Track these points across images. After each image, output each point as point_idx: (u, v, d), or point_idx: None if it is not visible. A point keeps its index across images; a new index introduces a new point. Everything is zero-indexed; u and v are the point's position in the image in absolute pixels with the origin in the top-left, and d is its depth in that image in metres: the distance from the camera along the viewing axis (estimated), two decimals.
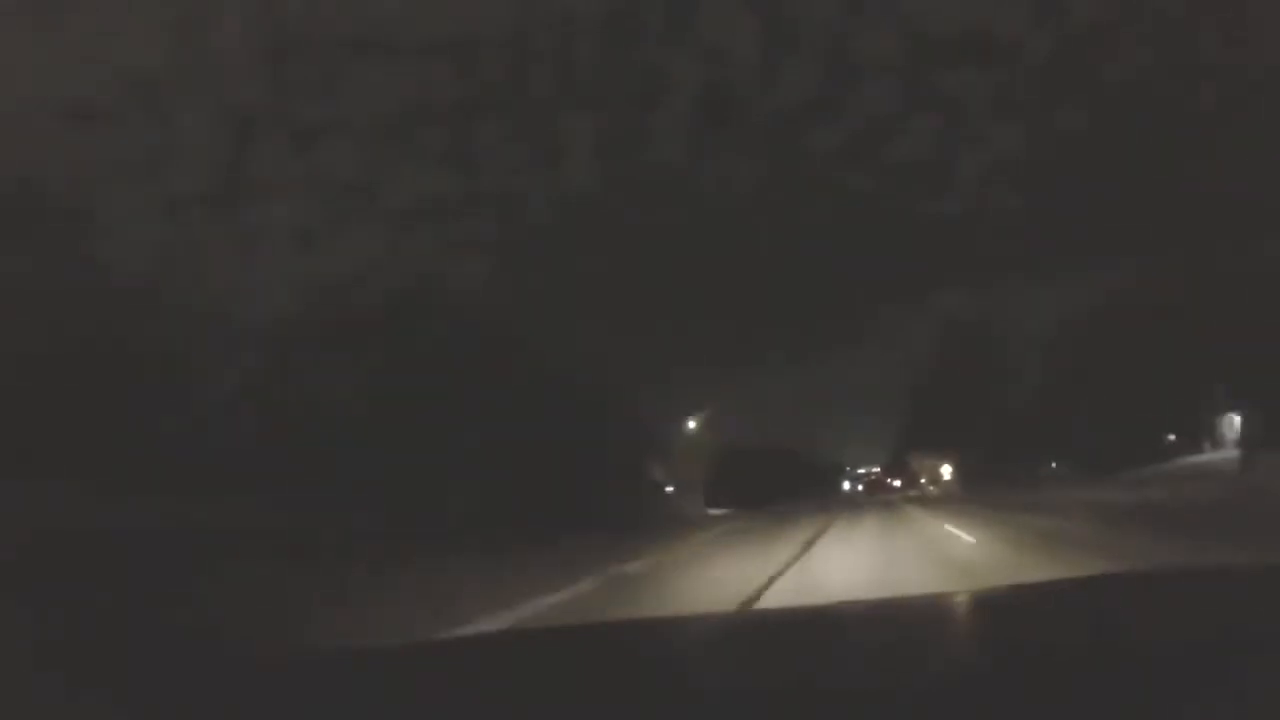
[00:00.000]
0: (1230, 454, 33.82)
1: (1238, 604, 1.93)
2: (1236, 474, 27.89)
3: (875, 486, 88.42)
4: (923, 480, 78.07)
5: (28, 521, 11.62)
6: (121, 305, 18.93)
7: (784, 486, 60.93)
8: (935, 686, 1.35)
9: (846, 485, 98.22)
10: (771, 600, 8.16)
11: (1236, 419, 37.35)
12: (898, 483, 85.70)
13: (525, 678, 1.63)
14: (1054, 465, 47.99)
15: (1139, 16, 42.32)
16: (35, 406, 15.39)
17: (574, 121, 52.56)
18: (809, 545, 14.53)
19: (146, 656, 4.81)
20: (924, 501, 42.34)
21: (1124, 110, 45.03)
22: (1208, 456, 37.20)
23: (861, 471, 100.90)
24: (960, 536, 14.07)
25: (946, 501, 38.18)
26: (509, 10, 41.31)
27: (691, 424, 48.50)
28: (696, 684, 1.54)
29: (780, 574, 10.11)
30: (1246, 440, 32.94)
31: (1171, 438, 41.94)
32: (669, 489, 46.31)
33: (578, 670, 1.68)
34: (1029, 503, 24.21)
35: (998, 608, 2.25)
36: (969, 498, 38.15)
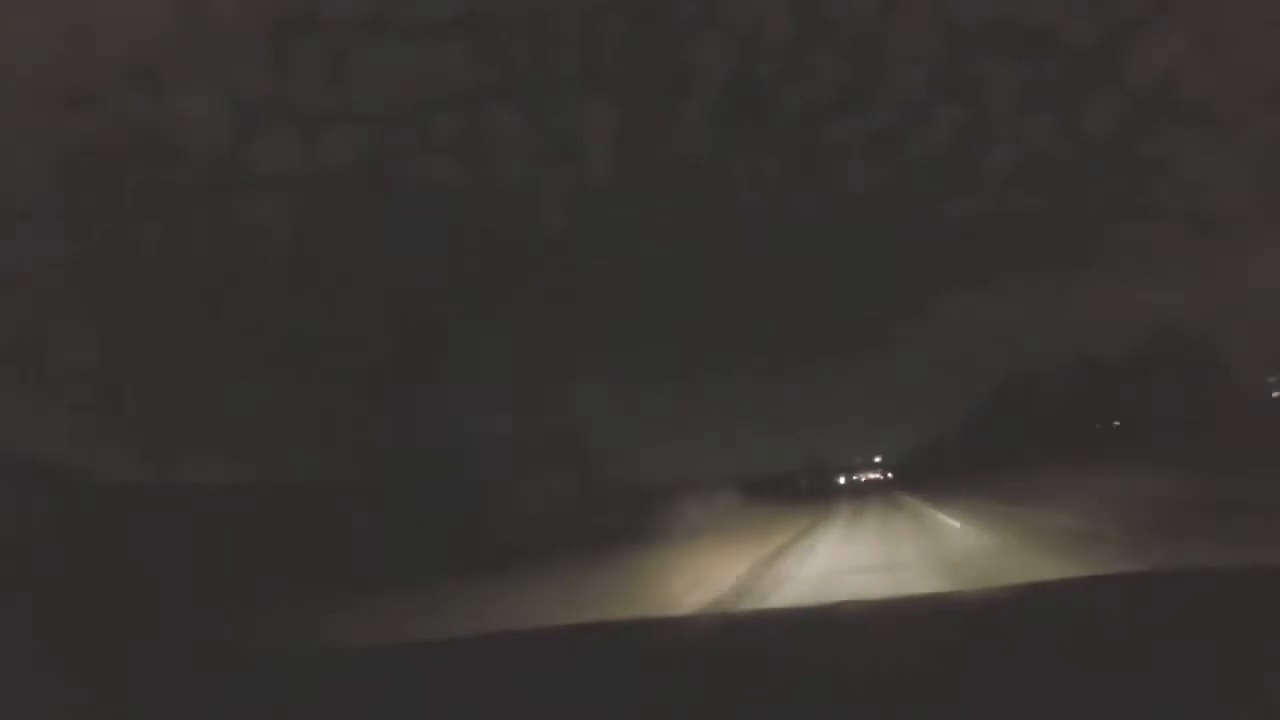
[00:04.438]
0: None
1: (1236, 604, 1.95)
2: None
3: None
4: None
5: None
6: None
7: None
8: (936, 685, 1.36)
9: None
10: None
11: None
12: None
13: (525, 678, 1.63)
14: None
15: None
16: None
17: (595, 110, 50.83)
18: None
19: (152, 655, 4.80)
20: None
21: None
22: None
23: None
24: None
25: None
26: None
27: None
28: (697, 683, 1.54)
29: None
30: None
31: None
32: None
33: (578, 670, 1.68)
34: None
35: (999, 607, 2.27)
36: None
